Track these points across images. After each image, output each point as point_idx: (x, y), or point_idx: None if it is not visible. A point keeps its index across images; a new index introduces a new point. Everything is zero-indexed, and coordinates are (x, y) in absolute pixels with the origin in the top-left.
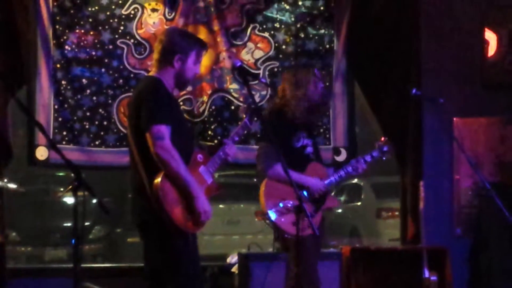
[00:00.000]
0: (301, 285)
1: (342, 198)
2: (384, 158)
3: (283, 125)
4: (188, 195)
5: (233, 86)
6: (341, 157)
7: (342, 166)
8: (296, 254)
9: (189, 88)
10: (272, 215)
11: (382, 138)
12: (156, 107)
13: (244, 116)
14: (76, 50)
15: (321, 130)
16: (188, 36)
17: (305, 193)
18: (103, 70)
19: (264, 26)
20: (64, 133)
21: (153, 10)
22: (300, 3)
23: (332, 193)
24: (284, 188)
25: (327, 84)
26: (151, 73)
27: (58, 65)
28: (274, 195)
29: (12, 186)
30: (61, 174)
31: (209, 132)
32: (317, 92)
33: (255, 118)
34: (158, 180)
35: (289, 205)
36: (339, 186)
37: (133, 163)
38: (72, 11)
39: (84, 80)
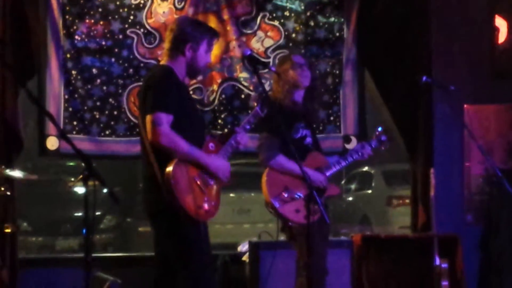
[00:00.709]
0: (309, 273)
1: (353, 186)
2: (382, 148)
3: (281, 116)
4: (202, 166)
5: (243, 74)
6: (351, 145)
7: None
8: (304, 242)
9: (199, 77)
10: (276, 204)
11: (379, 128)
12: (161, 95)
13: (256, 104)
14: (86, 40)
15: (331, 118)
16: (199, 25)
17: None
18: (113, 60)
19: (274, 15)
20: (75, 123)
21: None
22: None
23: (342, 181)
24: (286, 178)
25: (337, 72)
26: (162, 62)
27: (68, 55)
28: (276, 185)
29: (21, 175)
30: (71, 164)
31: (219, 121)
32: (300, 78)
33: (267, 106)
34: (169, 169)
35: (296, 196)
36: (349, 174)
37: (144, 153)
38: (81, 1)
39: (94, 70)
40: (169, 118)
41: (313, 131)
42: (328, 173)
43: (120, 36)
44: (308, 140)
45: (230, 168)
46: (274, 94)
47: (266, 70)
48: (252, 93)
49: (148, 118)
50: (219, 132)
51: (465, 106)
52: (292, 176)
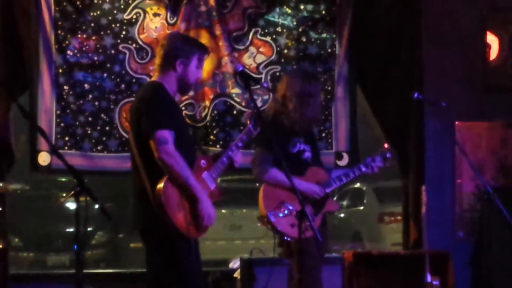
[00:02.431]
0: None
1: (345, 203)
2: (387, 165)
3: (278, 130)
4: (192, 199)
5: (235, 90)
6: (343, 162)
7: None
8: (298, 257)
9: (191, 93)
10: (271, 218)
11: (385, 145)
12: (158, 113)
13: (249, 122)
14: (78, 55)
15: (323, 135)
16: (190, 40)
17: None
18: (105, 75)
19: (266, 31)
20: (66, 138)
21: (155, 14)
22: (301, 7)
23: (334, 198)
24: (282, 192)
25: (329, 88)
26: (153, 78)
27: (60, 70)
28: (272, 198)
29: (15, 186)
30: (63, 179)
31: (211, 137)
32: (318, 106)
33: (259, 124)
34: (160, 185)
35: (291, 208)
36: (341, 191)
37: (135, 169)
38: (74, 16)
39: (86, 85)
40: (172, 134)
41: (314, 146)
42: (328, 190)
43: (112, 51)
44: (307, 155)
45: (214, 217)
46: (284, 109)
47: (258, 86)
48: (244, 109)
49: (152, 136)
50: (211, 148)
51: (456, 122)
52: (288, 190)
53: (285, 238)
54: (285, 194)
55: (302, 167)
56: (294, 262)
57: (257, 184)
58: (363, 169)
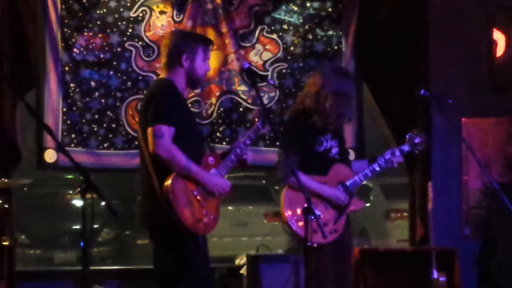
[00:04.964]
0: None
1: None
2: (416, 151)
3: (304, 130)
4: (200, 184)
5: (242, 88)
6: (350, 158)
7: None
8: (306, 257)
9: (198, 90)
10: (293, 225)
11: (414, 130)
12: (162, 107)
13: (257, 120)
14: (85, 53)
15: None
16: (192, 35)
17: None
18: (111, 72)
19: (272, 28)
20: (73, 135)
21: (161, 12)
22: (308, 4)
23: None
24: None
25: None
26: (161, 76)
27: (67, 68)
28: (294, 203)
29: (21, 181)
30: (69, 177)
31: (218, 134)
32: (353, 106)
33: (267, 122)
34: (168, 182)
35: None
36: None
37: (143, 166)
38: (80, 14)
39: (92, 83)
40: (171, 130)
41: (341, 141)
42: (348, 183)
43: (119, 49)
44: (334, 151)
45: (229, 184)
46: (317, 107)
47: (264, 83)
48: (251, 106)
49: (149, 130)
50: (218, 145)
51: (463, 119)
52: (311, 195)
53: (308, 244)
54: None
55: (327, 165)
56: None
57: (264, 182)
58: (384, 165)
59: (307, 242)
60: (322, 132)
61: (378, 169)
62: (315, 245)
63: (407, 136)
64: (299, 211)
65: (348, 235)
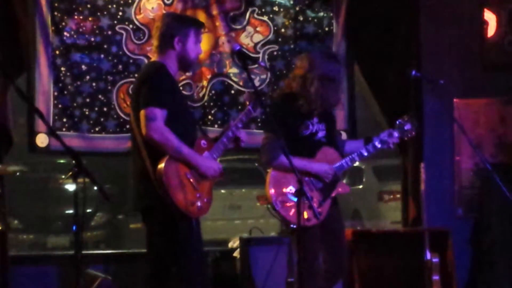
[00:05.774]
0: (301, 273)
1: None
2: (405, 138)
3: (291, 113)
4: (192, 166)
5: (233, 70)
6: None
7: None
8: (297, 240)
9: (189, 73)
10: (277, 206)
11: (405, 116)
12: (154, 91)
13: (248, 103)
14: (75, 36)
15: None
16: (183, 17)
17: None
18: (102, 56)
19: (263, 10)
20: (64, 120)
21: None
22: None
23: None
24: (289, 177)
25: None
26: (152, 59)
27: (57, 52)
28: (279, 185)
29: (14, 168)
30: (61, 161)
31: (209, 117)
32: (340, 90)
33: (258, 105)
34: (161, 165)
35: (293, 191)
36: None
37: (135, 149)
38: None
39: (83, 67)
40: (163, 113)
41: (329, 124)
42: (335, 166)
43: (109, 32)
44: (321, 134)
45: (221, 167)
46: (300, 90)
47: (255, 66)
48: (242, 89)
49: (142, 112)
50: (209, 128)
51: (454, 100)
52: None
53: (292, 226)
54: (292, 179)
55: (314, 148)
56: (294, 245)
57: (257, 164)
58: (379, 146)
59: (292, 224)
60: (308, 116)
61: (366, 154)
62: (294, 226)
63: (397, 122)
64: (284, 192)
65: (335, 216)
